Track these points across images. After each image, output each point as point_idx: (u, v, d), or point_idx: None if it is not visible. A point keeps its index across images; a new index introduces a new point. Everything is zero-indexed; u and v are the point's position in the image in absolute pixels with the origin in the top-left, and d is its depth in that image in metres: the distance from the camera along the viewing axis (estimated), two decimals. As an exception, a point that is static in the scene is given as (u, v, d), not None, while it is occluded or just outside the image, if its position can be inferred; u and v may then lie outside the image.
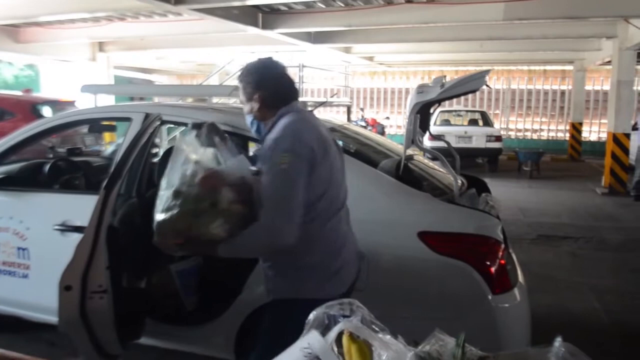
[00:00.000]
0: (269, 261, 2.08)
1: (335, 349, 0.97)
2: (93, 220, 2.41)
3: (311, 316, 1.08)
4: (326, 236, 2.05)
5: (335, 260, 2.06)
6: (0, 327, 3.47)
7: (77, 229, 2.88)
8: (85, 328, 2.42)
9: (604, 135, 16.60)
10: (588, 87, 18.10)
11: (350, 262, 2.14)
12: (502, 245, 2.58)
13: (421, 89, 2.77)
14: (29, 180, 3.76)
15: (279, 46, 12.72)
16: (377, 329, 1.04)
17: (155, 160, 3.87)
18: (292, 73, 14.01)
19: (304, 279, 2.01)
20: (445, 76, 2.92)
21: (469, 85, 2.76)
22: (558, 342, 0.97)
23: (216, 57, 16.26)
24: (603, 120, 17.73)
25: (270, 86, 2.09)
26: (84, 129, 6.39)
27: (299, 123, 2.02)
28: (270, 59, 2.18)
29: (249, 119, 2.20)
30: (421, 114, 2.89)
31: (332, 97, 12.58)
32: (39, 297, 3.13)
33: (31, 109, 9.59)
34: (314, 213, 1.97)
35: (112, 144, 3.73)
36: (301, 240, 1.91)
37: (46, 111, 9.54)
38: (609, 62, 12.37)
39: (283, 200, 1.87)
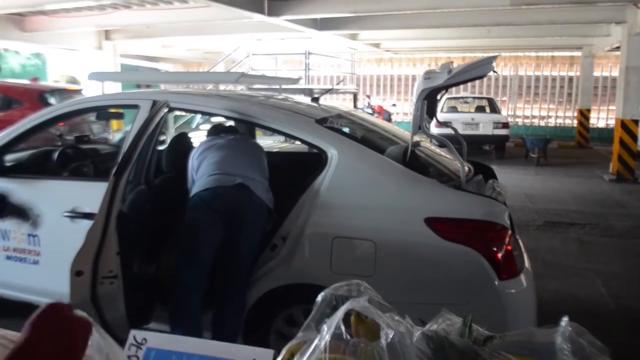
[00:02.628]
0: None
1: (343, 328, 0.98)
2: (103, 207, 2.43)
3: (319, 297, 1.09)
4: (204, 172, 3.00)
5: (209, 181, 2.91)
6: (12, 312, 3.51)
7: (87, 216, 2.91)
8: (96, 313, 2.45)
9: (612, 122, 16.48)
10: (596, 74, 17.97)
11: (221, 181, 2.89)
12: (509, 231, 2.58)
13: (428, 75, 2.76)
14: (39, 167, 3.79)
15: (285, 33, 12.68)
16: (384, 309, 1.05)
17: (163, 147, 3.89)
18: (298, 60, 13.98)
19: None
20: (452, 62, 2.90)
21: (477, 71, 2.74)
22: (564, 322, 0.97)
23: (222, 44, 16.23)
24: (611, 107, 17.61)
25: None
26: (92, 117, 6.41)
27: None
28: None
29: None
30: (428, 101, 2.88)
31: (337, 84, 12.54)
32: (49, 283, 3.16)
33: (38, 98, 9.64)
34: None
35: (119, 132, 3.75)
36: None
37: (53, 99, 9.58)
38: (617, 48, 12.26)
39: None
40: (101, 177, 3.29)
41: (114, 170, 2.49)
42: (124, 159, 2.54)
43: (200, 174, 3.02)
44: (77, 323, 0.82)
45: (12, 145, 3.56)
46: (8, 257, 3.38)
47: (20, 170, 3.56)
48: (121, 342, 2.70)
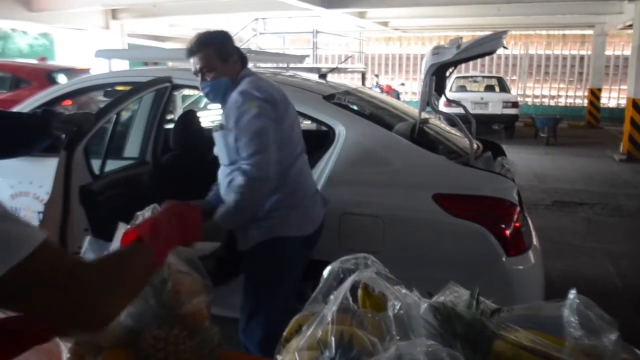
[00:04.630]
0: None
1: (350, 299, 0.98)
2: (58, 182, 2.39)
3: (327, 271, 1.09)
4: (299, 179, 2.29)
5: (306, 200, 2.30)
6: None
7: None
8: None
9: (623, 102, 16.29)
10: (608, 52, 17.70)
11: (317, 203, 2.37)
12: (517, 208, 2.57)
13: (437, 50, 2.73)
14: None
15: (293, 11, 12.56)
16: (391, 282, 1.05)
17: (170, 125, 3.89)
18: (306, 39, 13.77)
19: (287, 218, 2.23)
20: (461, 38, 2.86)
21: (486, 46, 2.71)
22: (572, 294, 0.97)
23: (229, 24, 16.11)
24: (623, 86, 17.39)
25: (237, 49, 2.32)
26: (100, 95, 6.41)
27: (260, 80, 2.26)
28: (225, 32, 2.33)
29: (221, 83, 2.23)
30: (437, 77, 2.85)
31: (344, 61, 12.44)
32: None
33: (47, 77, 9.63)
34: (289, 157, 2.22)
35: (128, 110, 3.75)
36: (281, 182, 2.17)
37: (61, 79, 9.58)
38: (630, 26, 12.05)
39: (259, 144, 2.08)
40: (110, 155, 3.30)
41: (64, 145, 2.43)
42: (77, 133, 2.45)
43: (293, 175, 2.26)
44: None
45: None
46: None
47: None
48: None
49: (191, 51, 2.21)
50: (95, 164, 3.14)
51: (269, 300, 2.22)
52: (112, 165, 3.24)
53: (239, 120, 2.10)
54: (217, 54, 2.21)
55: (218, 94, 2.25)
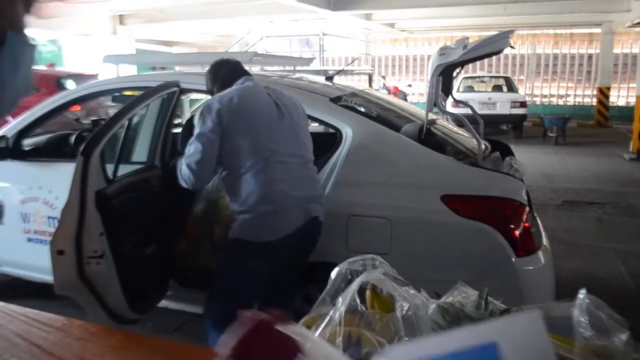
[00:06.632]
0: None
1: (358, 300, 0.98)
2: (75, 187, 2.40)
3: (334, 272, 1.09)
4: (259, 184, 2.28)
5: (267, 206, 2.28)
6: (35, 292, 3.58)
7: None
8: (88, 290, 2.45)
9: (632, 100, 16.17)
10: (616, 51, 17.57)
11: (289, 210, 2.30)
12: (527, 208, 2.56)
13: (443, 50, 2.73)
14: (56, 151, 3.83)
15: (298, 14, 12.58)
16: (399, 283, 1.05)
17: (178, 130, 3.90)
18: (313, 42, 13.76)
19: (247, 223, 2.31)
20: (467, 38, 2.86)
21: (493, 46, 2.70)
22: (582, 294, 0.96)
23: (235, 28, 16.15)
24: (632, 85, 17.26)
25: (220, 78, 2.57)
26: (108, 100, 6.46)
27: (232, 90, 2.43)
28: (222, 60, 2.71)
29: None
30: (444, 77, 2.84)
31: (350, 63, 12.44)
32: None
33: (55, 83, 9.72)
34: (243, 165, 2.29)
35: (136, 115, 3.79)
36: (236, 188, 2.31)
37: (70, 84, 9.66)
38: (638, 24, 11.97)
39: (196, 153, 2.36)
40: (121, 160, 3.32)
41: (81, 150, 2.44)
42: (94, 138, 2.48)
43: (251, 181, 2.29)
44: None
45: (30, 129, 3.59)
46: (29, 240, 3.43)
47: (38, 154, 3.60)
48: (126, 322, 2.75)
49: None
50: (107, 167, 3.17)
51: (220, 293, 2.39)
52: (121, 169, 3.25)
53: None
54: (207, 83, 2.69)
55: None
